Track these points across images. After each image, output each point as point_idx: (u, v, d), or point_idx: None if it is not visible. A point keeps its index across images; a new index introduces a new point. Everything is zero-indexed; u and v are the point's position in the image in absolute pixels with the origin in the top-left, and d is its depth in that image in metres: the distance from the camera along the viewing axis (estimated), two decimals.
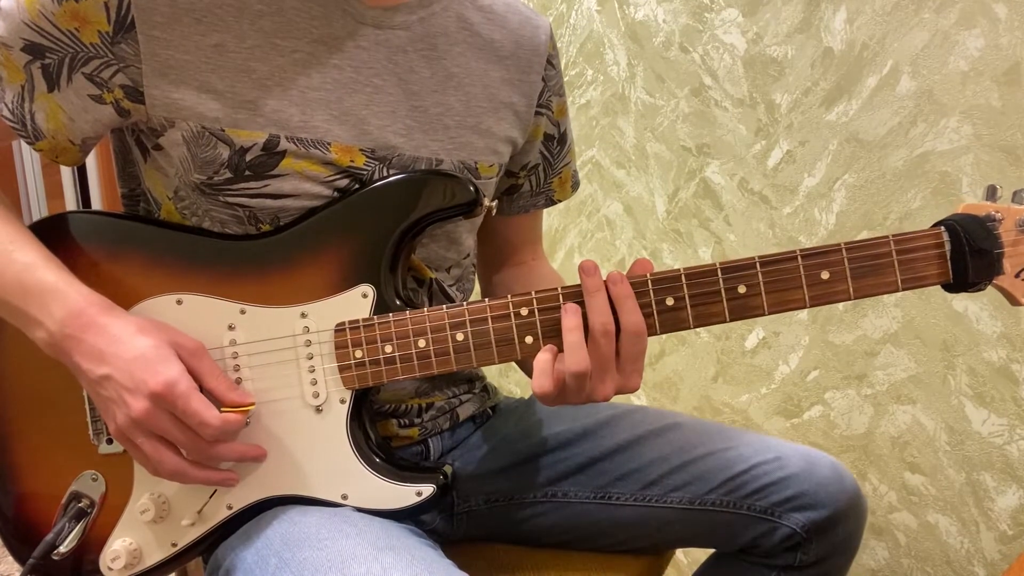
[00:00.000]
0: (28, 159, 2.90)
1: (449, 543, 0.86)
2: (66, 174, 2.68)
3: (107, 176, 2.57)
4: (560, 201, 0.97)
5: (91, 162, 2.58)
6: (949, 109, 1.07)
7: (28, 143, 0.70)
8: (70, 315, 0.62)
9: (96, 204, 2.60)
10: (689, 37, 1.38)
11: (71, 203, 2.66)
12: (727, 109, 1.34)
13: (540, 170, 0.92)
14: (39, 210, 2.90)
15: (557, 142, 0.92)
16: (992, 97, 1.03)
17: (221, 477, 0.66)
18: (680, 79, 1.40)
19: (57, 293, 0.63)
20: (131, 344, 0.61)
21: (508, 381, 1.79)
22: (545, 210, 0.98)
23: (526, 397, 0.97)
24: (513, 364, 0.94)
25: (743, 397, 1.39)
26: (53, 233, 0.70)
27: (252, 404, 0.66)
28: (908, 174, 1.12)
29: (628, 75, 1.49)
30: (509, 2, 0.84)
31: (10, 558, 0.72)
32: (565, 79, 1.60)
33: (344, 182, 0.72)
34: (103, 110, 0.69)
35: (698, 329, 1.44)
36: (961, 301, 1.10)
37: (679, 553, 1.46)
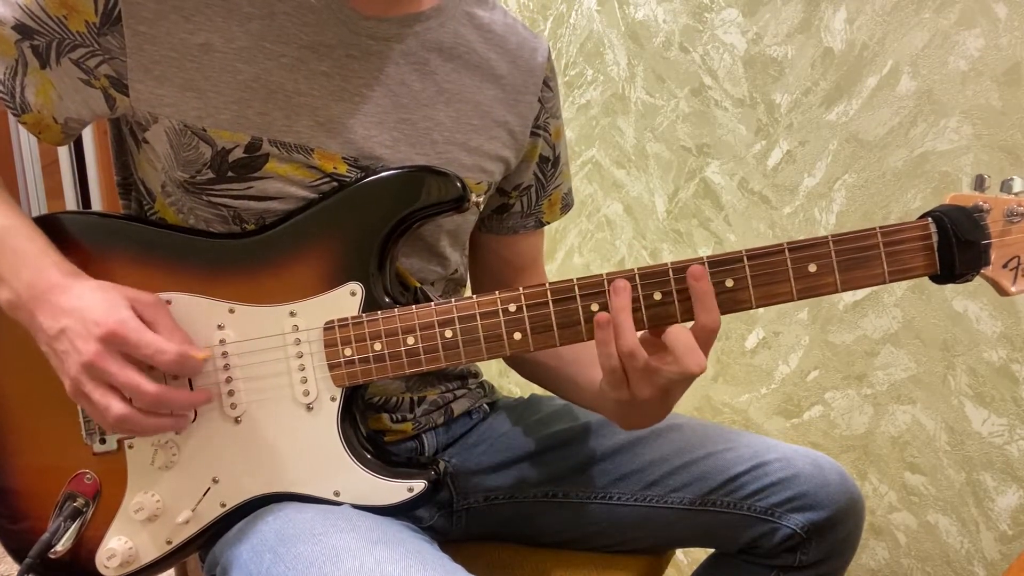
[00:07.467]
0: (28, 160, 2.90)
1: (449, 541, 0.86)
2: (66, 175, 2.67)
3: (107, 177, 2.57)
4: (549, 223, 0.95)
5: (91, 163, 2.58)
6: (949, 109, 1.07)
7: (14, 115, 0.70)
8: (38, 278, 0.64)
9: (96, 205, 2.60)
10: (689, 37, 1.37)
11: (71, 203, 2.66)
12: (727, 109, 1.34)
13: (532, 191, 0.91)
14: (39, 210, 2.90)
15: (551, 164, 0.91)
16: (992, 97, 1.03)
17: (172, 422, 0.66)
18: (680, 79, 1.40)
19: (30, 257, 0.65)
20: (88, 298, 0.63)
21: (508, 381, 1.79)
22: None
23: (525, 396, 0.97)
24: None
25: (743, 397, 1.39)
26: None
27: (205, 355, 0.66)
28: (908, 174, 1.12)
29: (628, 75, 1.49)
30: (509, 23, 0.84)
31: (9, 558, 0.72)
32: (565, 79, 1.60)
33: (329, 187, 0.72)
34: (93, 93, 0.69)
35: None
36: (961, 301, 1.10)
37: (679, 553, 1.46)
